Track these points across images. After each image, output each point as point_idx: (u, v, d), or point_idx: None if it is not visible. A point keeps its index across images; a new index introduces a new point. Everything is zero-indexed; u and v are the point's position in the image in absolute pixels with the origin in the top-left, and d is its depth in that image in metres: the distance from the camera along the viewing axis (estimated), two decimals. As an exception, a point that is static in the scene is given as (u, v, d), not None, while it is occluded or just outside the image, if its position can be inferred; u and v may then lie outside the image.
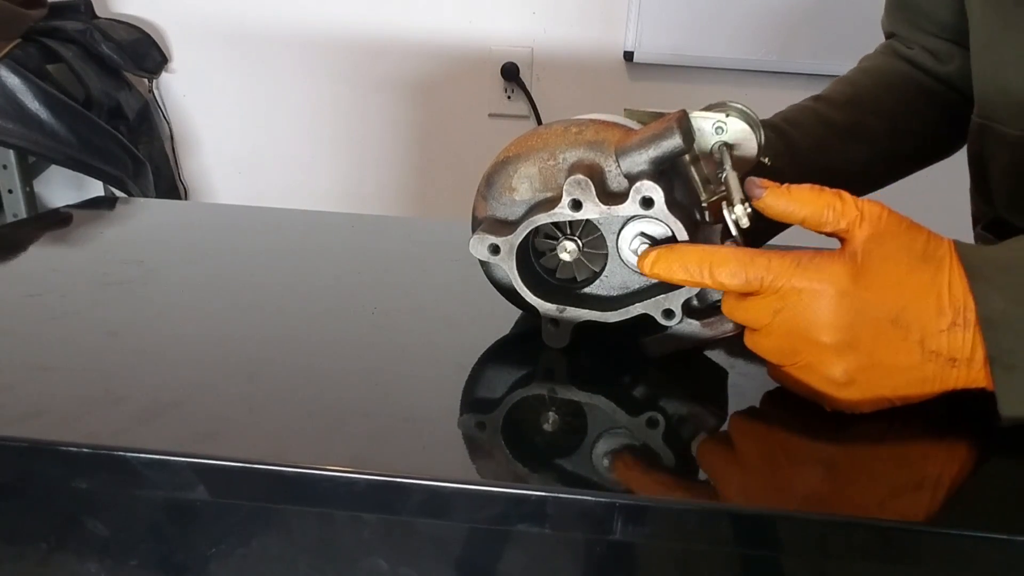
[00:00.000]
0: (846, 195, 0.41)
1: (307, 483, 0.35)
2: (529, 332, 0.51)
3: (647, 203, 0.44)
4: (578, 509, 0.34)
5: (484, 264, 0.50)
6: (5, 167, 1.47)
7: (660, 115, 0.47)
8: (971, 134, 0.70)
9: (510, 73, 1.68)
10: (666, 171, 0.46)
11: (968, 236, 0.73)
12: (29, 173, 1.52)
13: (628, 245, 0.46)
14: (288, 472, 0.35)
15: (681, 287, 0.45)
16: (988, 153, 0.67)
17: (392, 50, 1.69)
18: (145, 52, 1.66)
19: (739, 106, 0.50)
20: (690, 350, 0.48)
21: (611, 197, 0.45)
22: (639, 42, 1.63)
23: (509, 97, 1.71)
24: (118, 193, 1.55)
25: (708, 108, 0.51)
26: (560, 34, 1.67)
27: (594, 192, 0.44)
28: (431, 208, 1.81)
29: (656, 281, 0.46)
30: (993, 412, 0.39)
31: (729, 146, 0.49)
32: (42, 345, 0.46)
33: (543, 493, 0.34)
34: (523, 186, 0.48)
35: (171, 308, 0.53)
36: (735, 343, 0.46)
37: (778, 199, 0.42)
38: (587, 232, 0.48)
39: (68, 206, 0.78)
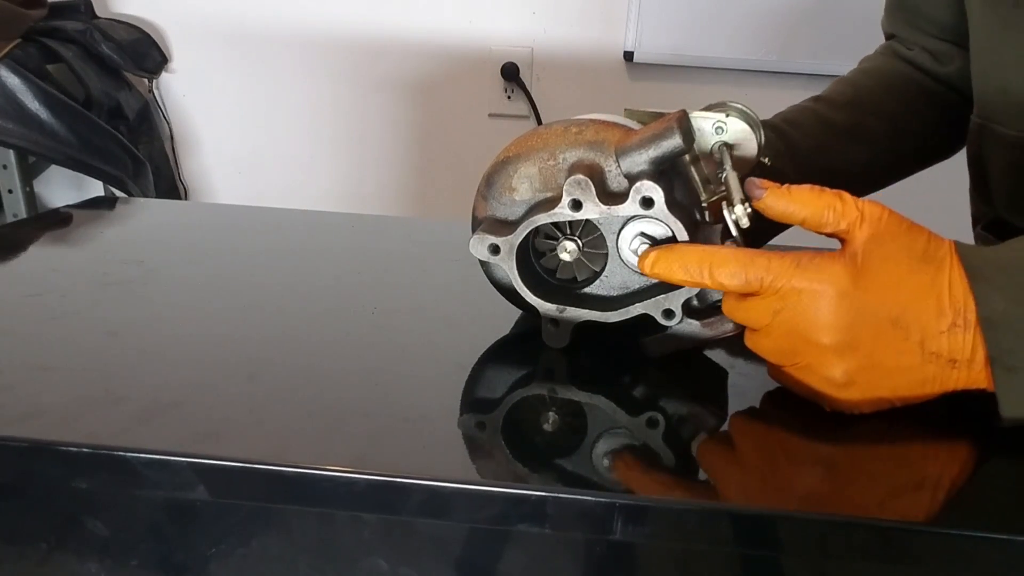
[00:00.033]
0: (846, 196, 0.41)
1: (307, 483, 0.35)
2: (529, 332, 0.51)
3: (647, 203, 0.44)
4: (578, 509, 0.34)
5: (484, 264, 0.50)
6: (5, 167, 1.47)
7: (660, 115, 0.47)
8: (970, 135, 0.70)
9: (510, 73, 1.68)
10: (666, 171, 0.46)
11: (968, 236, 0.73)
12: (29, 173, 1.52)
13: (628, 245, 0.46)
14: (288, 472, 0.35)
15: (681, 287, 0.45)
16: (987, 153, 0.67)
17: (392, 50, 1.69)
18: (145, 52, 1.66)
19: (739, 106, 0.50)
20: (690, 350, 0.48)
21: (611, 197, 0.45)
22: (639, 42, 1.63)
23: (509, 97, 1.71)
24: (118, 193, 1.55)
25: (708, 108, 0.51)
26: (560, 34, 1.67)
27: (594, 192, 0.44)
28: (431, 208, 1.81)
29: (656, 281, 0.46)
30: (993, 413, 0.39)
31: (729, 146, 0.49)
32: (42, 345, 0.46)
33: (543, 493, 0.34)
34: (523, 186, 0.48)
35: (171, 308, 0.53)
36: (735, 343, 0.47)
37: (778, 200, 0.42)
38: (587, 232, 0.48)
39: (68, 206, 0.78)
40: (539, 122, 1.69)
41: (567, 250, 0.47)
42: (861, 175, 0.73)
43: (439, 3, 1.66)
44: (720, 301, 0.46)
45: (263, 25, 1.69)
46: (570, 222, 0.47)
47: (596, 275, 0.48)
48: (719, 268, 0.41)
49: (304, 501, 0.35)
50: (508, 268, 0.48)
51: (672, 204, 0.44)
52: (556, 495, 0.35)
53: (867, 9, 0.97)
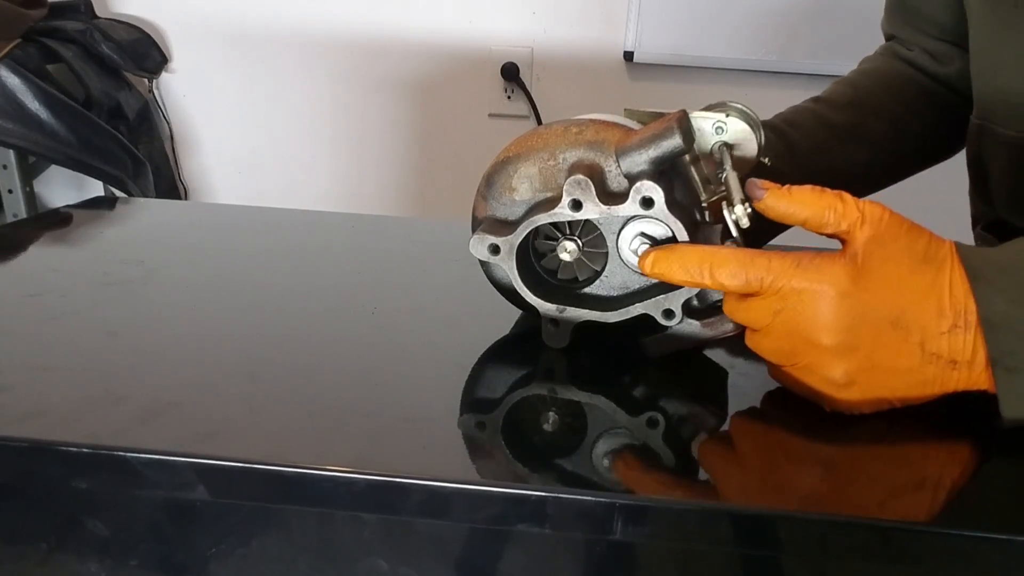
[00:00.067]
0: (847, 196, 0.41)
1: (307, 483, 0.35)
2: (529, 332, 0.51)
3: (647, 203, 0.44)
4: (578, 509, 0.34)
5: (484, 264, 0.50)
6: (5, 167, 1.47)
7: (660, 115, 0.47)
8: (970, 135, 0.70)
9: (510, 73, 1.68)
10: (666, 171, 0.46)
11: (968, 237, 0.73)
12: (29, 173, 1.51)
13: (628, 245, 0.46)
14: (288, 472, 0.35)
15: (681, 287, 0.45)
16: (987, 154, 0.67)
17: (392, 50, 1.69)
18: (145, 52, 1.66)
19: (739, 106, 0.50)
20: (690, 350, 0.48)
21: (611, 197, 0.45)
22: (639, 42, 1.63)
23: (509, 97, 1.71)
24: (118, 193, 1.55)
25: (708, 108, 0.51)
26: (560, 34, 1.67)
27: (594, 192, 0.44)
28: (431, 208, 1.81)
29: (656, 281, 0.46)
30: (993, 413, 0.39)
31: (729, 146, 0.49)
32: (42, 345, 0.46)
33: (543, 493, 0.34)
34: (523, 186, 0.48)
35: (171, 308, 0.53)
36: (735, 343, 0.47)
37: (779, 200, 0.42)
38: (586, 231, 0.48)
39: (68, 206, 0.78)
40: (539, 122, 1.69)
41: (567, 250, 0.47)
42: (861, 176, 0.73)
43: (439, 3, 1.66)
44: (720, 301, 0.46)
45: (263, 25, 1.69)
46: (570, 222, 0.47)
47: (597, 274, 0.48)
48: (719, 268, 0.41)
49: (304, 501, 0.35)
50: (508, 268, 0.48)
51: (672, 204, 0.44)
52: (556, 495, 0.35)
53: (867, 9, 0.97)
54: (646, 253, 0.44)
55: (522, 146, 0.48)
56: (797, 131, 0.69)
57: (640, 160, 0.44)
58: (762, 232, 0.55)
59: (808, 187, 0.41)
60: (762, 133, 0.50)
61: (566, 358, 0.48)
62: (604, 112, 0.49)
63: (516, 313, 0.53)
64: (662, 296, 0.46)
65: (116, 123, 1.56)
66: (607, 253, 0.47)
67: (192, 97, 1.76)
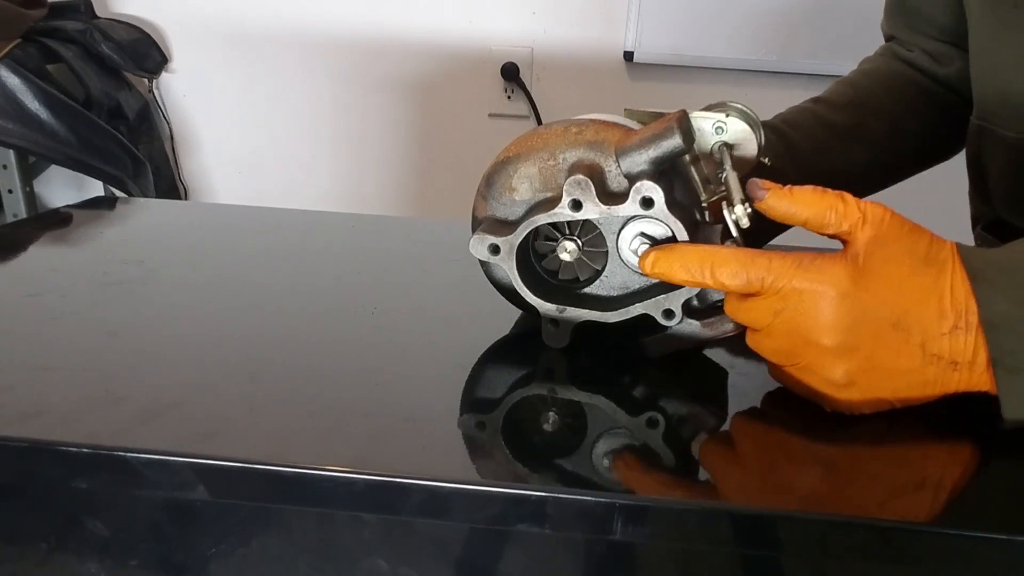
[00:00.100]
0: (849, 197, 0.41)
1: (307, 483, 0.35)
2: (529, 332, 0.51)
3: (647, 203, 0.44)
4: (578, 509, 0.34)
5: (484, 264, 0.50)
6: (5, 167, 1.47)
7: (660, 115, 0.47)
8: (970, 135, 0.70)
9: (510, 73, 1.68)
10: (666, 171, 0.46)
11: (968, 237, 0.73)
12: (29, 173, 1.52)
13: (628, 245, 0.46)
14: (288, 472, 0.35)
15: (681, 287, 0.45)
16: (986, 154, 0.67)
17: (392, 50, 1.69)
18: (145, 52, 1.66)
19: (739, 106, 0.50)
20: (690, 350, 0.48)
21: (611, 197, 0.45)
22: (639, 42, 1.63)
23: (509, 97, 1.71)
24: (118, 193, 1.55)
25: (708, 108, 0.51)
26: (560, 34, 1.67)
27: (594, 192, 0.44)
28: (431, 208, 1.81)
29: (656, 281, 0.46)
30: (994, 415, 0.39)
31: (729, 146, 0.49)
32: (42, 345, 0.46)
33: (543, 493, 0.34)
34: (523, 186, 0.48)
35: (171, 308, 0.53)
36: (735, 343, 0.47)
37: (780, 201, 0.41)
38: (586, 231, 0.48)
39: (68, 206, 0.78)
40: (539, 122, 1.69)
41: (567, 250, 0.47)
42: (861, 176, 0.73)
43: (439, 3, 1.66)
44: (720, 301, 0.46)
45: (263, 25, 1.69)
46: (569, 222, 0.47)
47: (597, 274, 0.48)
48: (720, 268, 0.41)
49: (304, 501, 0.35)
50: (508, 268, 0.48)
51: (672, 204, 0.44)
52: (556, 495, 0.35)
53: (867, 9, 0.97)
54: (646, 253, 0.44)
55: (522, 146, 0.48)
56: (797, 131, 0.69)
57: (640, 160, 0.44)
58: (762, 232, 0.55)
59: (809, 187, 0.41)
60: (762, 133, 0.50)
61: (566, 358, 0.48)
62: (604, 112, 0.49)
63: (516, 313, 0.53)
64: (662, 296, 0.46)
65: (116, 123, 1.56)
66: (607, 252, 0.47)
67: (192, 97, 1.76)
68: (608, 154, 0.46)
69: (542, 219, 0.46)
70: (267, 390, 0.42)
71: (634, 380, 0.47)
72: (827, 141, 0.70)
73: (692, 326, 0.47)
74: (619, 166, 0.45)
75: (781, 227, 0.61)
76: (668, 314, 0.46)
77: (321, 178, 1.80)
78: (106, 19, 1.65)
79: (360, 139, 1.77)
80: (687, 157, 0.49)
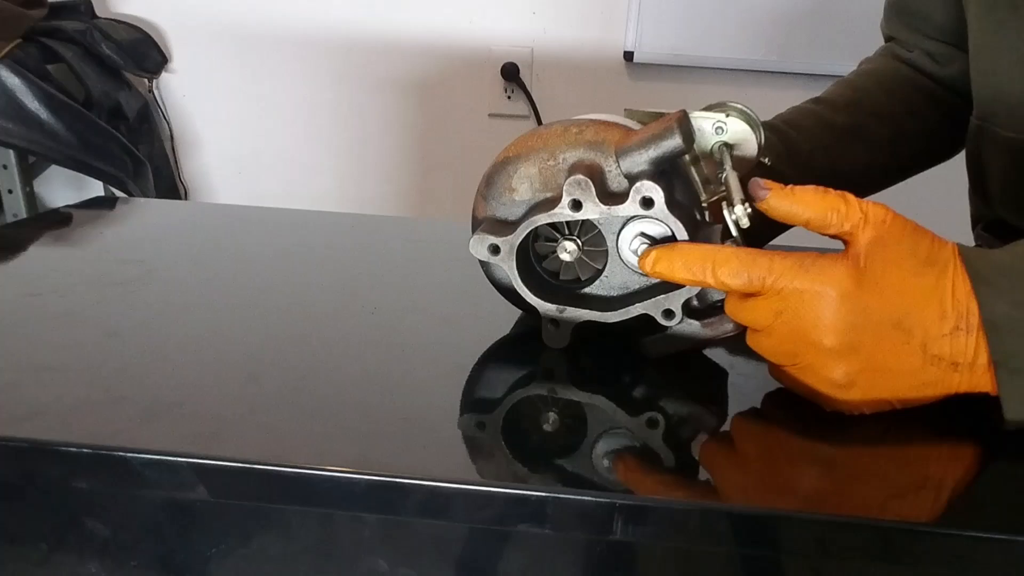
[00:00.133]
0: (850, 197, 0.41)
1: (307, 483, 0.35)
2: (529, 332, 0.51)
3: (647, 203, 0.44)
4: (578, 509, 0.34)
5: (484, 264, 0.50)
6: (5, 167, 1.47)
7: (660, 115, 0.47)
8: (970, 136, 0.70)
9: (510, 73, 1.68)
10: (666, 171, 0.46)
11: (968, 237, 0.73)
12: (29, 173, 1.51)
13: (628, 245, 0.46)
14: (288, 472, 0.35)
15: (681, 287, 0.45)
16: (986, 154, 0.67)
17: (392, 50, 1.69)
18: (145, 52, 1.66)
19: (739, 106, 0.50)
20: (690, 350, 0.48)
21: (611, 197, 0.45)
22: (639, 42, 1.63)
23: (509, 97, 1.71)
24: (118, 193, 1.55)
25: (708, 108, 0.51)
26: (560, 34, 1.67)
27: (594, 192, 0.44)
28: (431, 208, 1.81)
29: (656, 281, 0.46)
30: (995, 416, 0.40)
31: (729, 146, 0.49)
32: (42, 345, 0.46)
33: (543, 493, 0.34)
34: (523, 186, 0.48)
35: (171, 308, 0.53)
36: (735, 343, 0.47)
37: (782, 201, 0.41)
38: (585, 230, 0.48)
39: (68, 206, 0.78)
40: (539, 122, 1.69)
41: (567, 250, 0.47)
42: (861, 176, 0.73)
43: (439, 3, 1.66)
44: (720, 301, 0.46)
45: (263, 25, 1.69)
46: (569, 222, 0.47)
47: (598, 273, 0.48)
48: (722, 267, 0.41)
49: (304, 501, 0.35)
50: (508, 268, 0.48)
51: (672, 204, 0.44)
52: (556, 495, 0.35)
53: (867, 9, 0.97)
54: (647, 251, 0.44)
55: (522, 146, 0.48)
56: (797, 132, 0.69)
57: (640, 160, 0.44)
58: (762, 232, 0.55)
59: (811, 187, 0.41)
60: (762, 133, 0.50)
61: (566, 358, 0.48)
62: (604, 112, 0.49)
63: (516, 313, 0.53)
64: (662, 296, 0.46)
65: (116, 123, 1.56)
66: (607, 251, 0.47)
67: (192, 97, 1.76)
68: (608, 154, 0.46)
69: (542, 219, 0.46)
70: (267, 390, 0.42)
71: (634, 380, 0.47)
72: (827, 141, 0.70)
73: (692, 326, 0.47)
74: (619, 166, 0.45)
75: (781, 227, 0.61)
76: (668, 314, 0.46)
77: (321, 178, 1.80)
78: (106, 19, 1.65)
79: (360, 139, 1.77)
80: (687, 157, 0.49)
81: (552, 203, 0.46)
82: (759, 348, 0.43)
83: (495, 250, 0.47)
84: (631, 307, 0.47)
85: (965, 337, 0.39)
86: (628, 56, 1.64)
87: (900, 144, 0.74)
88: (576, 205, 0.45)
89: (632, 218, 0.46)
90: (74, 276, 0.58)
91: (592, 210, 0.45)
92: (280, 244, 0.69)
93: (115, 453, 0.35)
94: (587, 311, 0.47)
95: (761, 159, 0.51)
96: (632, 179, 0.44)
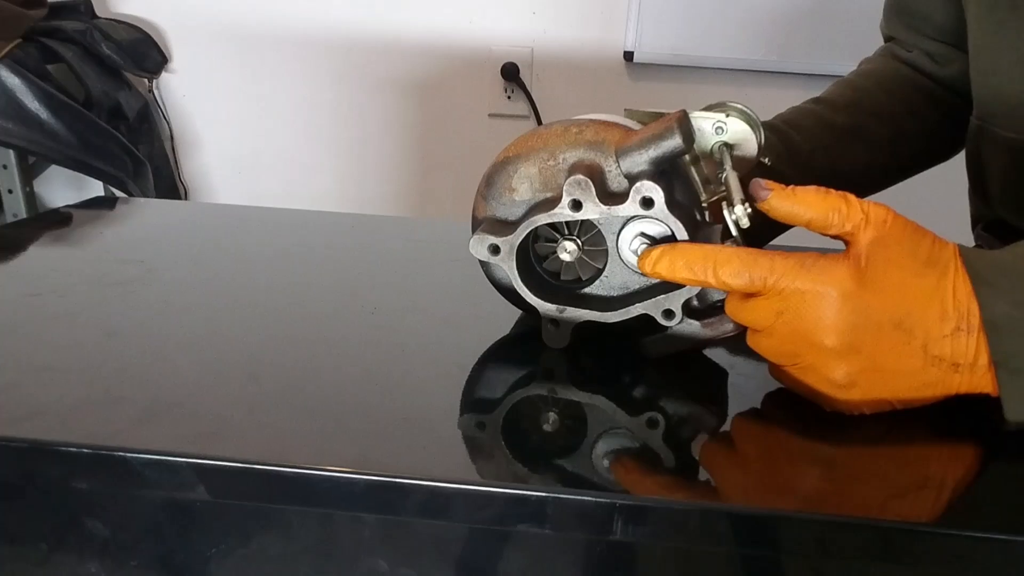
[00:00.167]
0: (851, 198, 0.41)
1: (307, 483, 0.35)
2: (529, 332, 0.51)
3: (647, 203, 0.44)
4: (578, 509, 0.34)
5: (484, 264, 0.50)
6: (5, 167, 1.47)
7: (660, 115, 0.47)
8: (970, 136, 0.70)
9: (510, 73, 1.68)
10: (666, 171, 0.46)
11: (968, 237, 0.73)
12: (29, 173, 1.51)
13: (628, 245, 0.46)
14: (288, 472, 0.35)
15: (681, 287, 0.45)
16: (986, 154, 0.67)
17: (392, 50, 1.69)
18: (145, 52, 1.66)
19: (739, 106, 0.50)
20: (690, 350, 0.48)
21: (611, 197, 0.45)
22: (639, 42, 1.63)
23: (509, 97, 1.71)
24: (118, 193, 1.55)
25: (708, 108, 0.51)
26: (560, 34, 1.67)
27: (594, 192, 0.44)
28: (431, 208, 1.81)
29: (656, 281, 0.46)
30: (996, 417, 0.40)
31: (729, 146, 0.49)
32: (42, 345, 0.46)
33: (543, 493, 0.34)
34: (523, 186, 0.48)
35: (171, 308, 0.53)
36: (735, 343, 0.47)
37: (783, 201, 0.41)
38: (585, 230, 0.48)
39: (68, 206, 0.78)
40: (539, 122, 1.69)
41: (567, 250, 0.47)
42: (861, 176, 0.73)
43: (439, 3, 1.66)
44: (720, 302, 0.46)
45: (263, 25, 1.69)
46: (569, 222, 0.47)
47: (598, 273, 0.48)
48: (723, 267, 0.41)
49: (304, 501, 0.35)
50: (508, 268, 0.48)
51: (672, 204, 0.44)
52: (556, 495, 0.34)
53: (867, 9, 0.97)
54: (648, 251, 0.44)
55: (522, 146, 0.48)
56: (797, 132, 0.69)
57: (640, 160, 0.44)
58: (762, 232, 0.55)
59: (812, 188, 0.41)
60: (762, 133, 0.50)
61: (566, 358, 0.48)
62: (604, 112, 0.49)
63: (516, 313, 0.53)
64: (662, 296, 0.46)
65: (116, 123, 1.56)
66: (607, 251, 0.47)
67: (192, 97, 1.76)
68: (608, 154, 0.46)
69: (542, 219, 0.46)
70: (267, 390, 0.42)
71: (634, 380, 0.47)
72: (827, 141, 0.70)
73: (692, 326, 0.47)
74: (619, 166, 0.45)
75: (781, 227, 0.61)
76: (668, 314, 0.46)
77: (321, 178, 1.80)
78: (106, 19, 1.65)
79: (360, 139, 1.77)
80: (687, 157, 0.49)
81: (552, 203, 0.46)
82: (760, 348, 0.43)
83: (495, 250, 0.47)
84: (631, 307, 0.47)
85: (966, 338, 0.39)
86: (628, 56, 1.64)
87: (900, 144, 0.74)
88: (576, 205, 0.45)
89: (632, 218, 0.46)
90: (74, 276, 0.58)
91: (592, 210, 0.45)
92: (280, 244, 0.69)
93: (115, 453, 0.35)
94: (587, 311, 0.47)
95: (761, 159, 0.51)
96: (632, 179, 0.44)
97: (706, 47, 1.62)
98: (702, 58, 1.63)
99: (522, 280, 0.48)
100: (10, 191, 1.49)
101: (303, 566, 0.38)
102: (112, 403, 0.39)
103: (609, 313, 0.47)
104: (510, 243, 0.47)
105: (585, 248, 0.48)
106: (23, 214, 1.50)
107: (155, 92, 1.73)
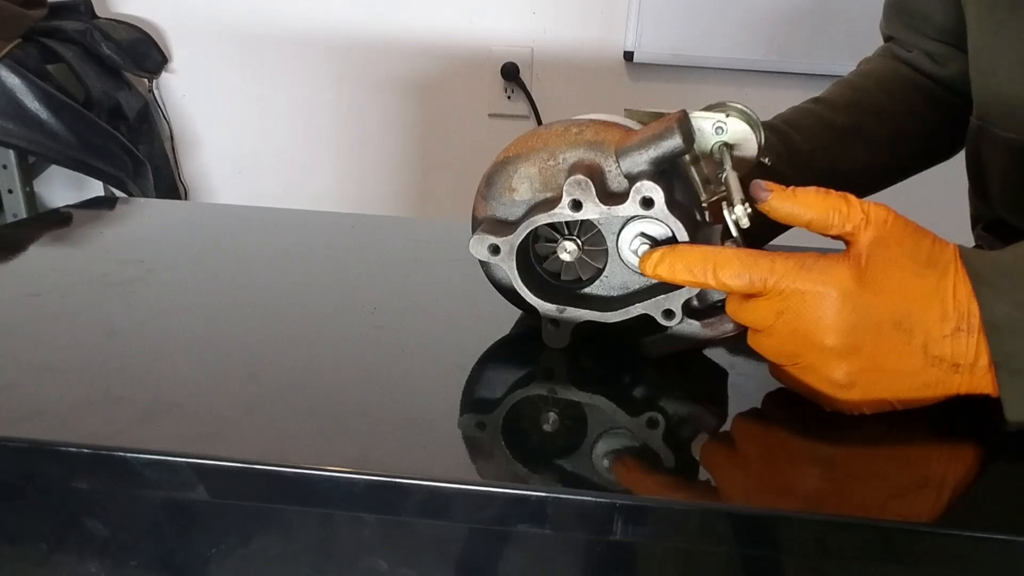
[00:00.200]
0: (852, 198, 0.41)
1: (307, 483, 0.35)
2: (529, 332, 0.51)
3: (647, 203, 0.44)
4: (578, 509, 0.34)
5: (484, 264, 0.50)
6: (5, 167, 1.47)
7: (660, 115, 0.47)
8: (969, 136, 0.70)
9: (510, 73, 1.68)
10: (666, 171, 0.46)
11: (967, 237, 0.73)
12: (29, 173, 1.51)
13: (628, 245, 0.46)
14: (288, 472, 0.35)
15: (681, 287, 0.45)
16: (986, 155, 0.67)
17: (392, 50, 1.69)
18: (145, 52, 1.66)
19: (739, 106, 0.50)
20: (690, 350, 0.48)
21: (611, 197, 0.45)
22: (639, 42, 1.63)
23: (509, 97, 1.71)
24: (118, 193, 1.55)
25: (708, 108, 0.51)
26: (560, 34, 1.67)
27: (594, 192, 0.44)
28: (431, 208, 1.81)
29: (656, 281, 0.46)
30: (996, 417, 0.39)
31: (729, 146, 0.49)
32: (42, 345, 0.46)
33: (543, 493, 0.34)
34: (523, 186, 0.48)
35: (171, 308, 0.53)
36: (735, 343, 0.47)
37: (784, 202, 0.41)
38: (585, 230, 0.48)
39: (68, 206, 0.78)
40: (539, 122, 1.69)
41: (567, 250, 0.47)
42: (861, 176, 0.73)
43: (439, 3, 1.66)
44: (720, 302, 0.46)
45: (263, 25, 1.69)
46: (568, 222, 0.47)
47: (598, 273, 0.48)
48: (723, 269, 0.41)
49: (304, 501, 0.35)
50: (508, 268, 0.48)
51: (672, 204, 0.44)
52: (556, 495, 0.35)
53: (867, 9, 0.97)
54: (648, 254, 0.44)
55: (522, 146, 0.48)
56: (797, 132, 0.69)
57: (640, 160, 0.44)
58: (762, 232, 0.55)
59: (813, 188, 0.41)
60: (762, 133, 0.50)
61: (566, 358, 0.48)
62: (604, 112, 0.49)
63: (516, 313, 0.53)
64: (662, 296, 0.46)
65: (116, 123, 1.56)
66: (607, 251, 0.47)
67: (192, 97, 1.76)
68: (608, 154, 0.46)
69: (542, 219, 0.46)
70: (267, 390, 0.42)
71: (634, 380, 0.47)
72: (827, 141, 0.70)
73: (692, 326, 0.47)
74: (619, 166, 0.45)
75: (781, 227, 0.61)
76: (668, 314, 0.46)
77: (321, 178, 1.80)
78: (106, 19, 1.65)
79: (360, 139, 1.77)
80: (687, 157, 0.49)
81: (552, 203, 0.46)
82: (760, 348, 0.43)
83: (495, 250, 0.47)
84: (631, 307, 0.47)
85: (966, 338, 0.39)
86: (628, 56, 1.64)
87: (900, 144, 0.74)
88: (576, 205, 0.45)
89: (632, 218, 0.46)
90: (74, 276, 0.58)
91: (592, 210, 0.45)
92: (280, 244, 0.69)
93: (115, 453, 0.35)
94: (587, 311, 0.47)
95: (761, 159, 0.51)
96: (632, 179, 0.44)
97: (706, 47, 1.62)
98: (702, 58, 1.63)
99: (522, 280, 0.48)
100: (10, 191, 1.49)
101: (303, 566, 0.38)
102: (112, 403, 0.39)
103: (609, 313, 0.47)
104: (510, 243, 0.47)
105: (585, 248, 0.48)
106: (23, 214, 1.50)
107: (155, 92, 1.73)
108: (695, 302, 0.47)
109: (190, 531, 0.38)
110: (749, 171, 0.49)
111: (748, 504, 0.35)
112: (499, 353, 0.50)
